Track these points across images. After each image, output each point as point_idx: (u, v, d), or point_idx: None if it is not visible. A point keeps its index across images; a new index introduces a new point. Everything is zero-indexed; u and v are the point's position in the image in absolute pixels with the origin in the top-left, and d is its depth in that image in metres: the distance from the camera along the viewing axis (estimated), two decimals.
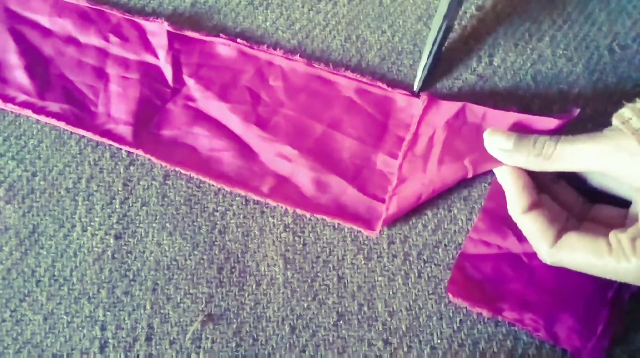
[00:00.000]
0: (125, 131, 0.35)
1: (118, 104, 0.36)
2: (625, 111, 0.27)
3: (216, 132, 0.36)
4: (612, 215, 0.30)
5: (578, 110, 0.31)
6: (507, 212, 0.30)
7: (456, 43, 0.37)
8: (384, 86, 0.35)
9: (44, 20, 0.38)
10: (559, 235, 0.28)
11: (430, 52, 0.34)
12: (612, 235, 0.27)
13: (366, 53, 0.37)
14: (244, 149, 0.35)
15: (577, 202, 0.31)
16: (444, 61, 0.36)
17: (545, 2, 0.37)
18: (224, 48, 0.37)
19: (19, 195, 0.35)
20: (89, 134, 0.35)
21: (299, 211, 0.34)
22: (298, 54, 0.36)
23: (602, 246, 0.27)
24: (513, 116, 0.31)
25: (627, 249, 0.26)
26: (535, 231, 0.28)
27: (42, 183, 0.35)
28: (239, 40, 0.36)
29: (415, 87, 0.35)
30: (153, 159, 0.35)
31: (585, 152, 0.28)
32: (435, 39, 0.33)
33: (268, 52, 0.36)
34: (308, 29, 0.38)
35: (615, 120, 0.27)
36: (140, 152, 0.35)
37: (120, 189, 0.35)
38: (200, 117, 0.36)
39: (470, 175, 0.32)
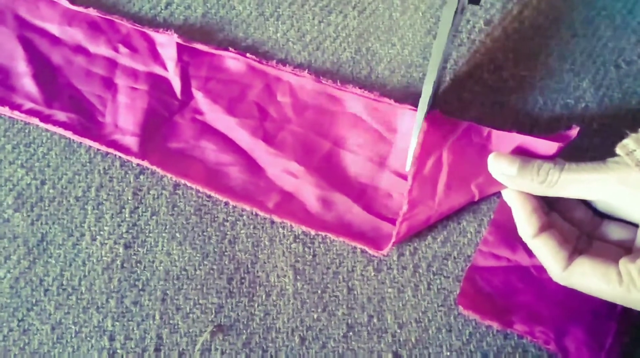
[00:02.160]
0: (132, 142, 0.35)
1: (125, 115, 0.36)
2: (629, 142, 0.27)
3: (223, 147, 0.36)
4: (622, 235, 0.30)
5: (578, 128, 0.31)
6: (516, 225, 0.31)
7: (465, 56, 0.37)
8: (391, 102, 0.35)
9: (54, 29, 0.38)
10: (571, 258, 0.28)
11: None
12: (622, 265, 0.27)
13: (376, 66, 0.37)
14: (251, 164, 0.35)
15: (587, 217, 0.31)
16: (453, 73, 0.37)
17: (552, 18, 0.38)
18: (233, 62, 0.37)
19: (28, 203, 0.35)
20: (95, 144, 0.35)
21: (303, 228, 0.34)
22: (306, 70, 0.36)
23: (612, 276, 0.27)
24: (517, 138, 0.32)
25: (637, 280, 0.27)
26: (546, 255, 0.29)
27: (51, 191, 0.35)
28: (248, 54, 0.37)
29: (408, 168, 0.34)
30: (159, 170, 0.35)
31: (588, 183, 0.28)
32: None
33: (277, 68, 0.36)
34: (318, 41, 0.38)
35: (619, 150, 0.27)
36: (146, 163, 0.35)
37: (130, 198, 0.35)
38: (208, 131, 0.36)
39: (476, 199, 0.32)
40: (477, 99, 0.36)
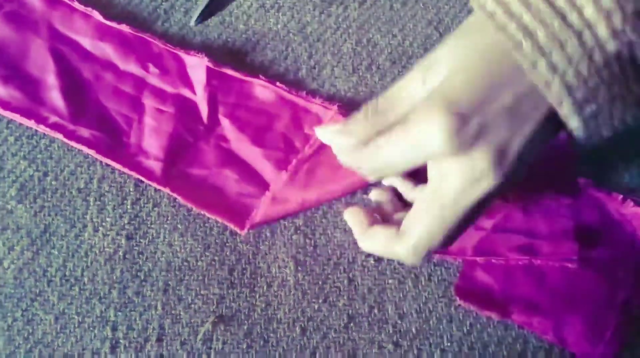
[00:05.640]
0: (155, 166, 0.35)
1: (150, 138, 0.35)
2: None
3: (246, 177, 0.35)
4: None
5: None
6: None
7: None
8: None
9: (86, 43, 0.37)
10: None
11: None
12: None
13: (377, 57, 0.37)
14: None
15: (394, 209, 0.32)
16: None
17: None
18: (262, 90, 0.36)
19: (31, 195, 0.35)
20: (117, 166, 0.34)
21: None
22: (336, 104, 0.35)
23: (392, 234, 0.28)
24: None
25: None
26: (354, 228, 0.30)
27: (53, 183, 0.35)
28: (277, 83, 0.36)
29: (192, 22, 0.34)
30: (180, 199, 0.34)
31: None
32: None
33: (306, 99, 0.36)
34: (319, 32, 0.38)
35: (472, 2, 0.23)
36: (167, 190, 0.34)
37: (131, 189, 0.35)
38: (232, 159, 0.35)
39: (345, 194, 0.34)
40: None
